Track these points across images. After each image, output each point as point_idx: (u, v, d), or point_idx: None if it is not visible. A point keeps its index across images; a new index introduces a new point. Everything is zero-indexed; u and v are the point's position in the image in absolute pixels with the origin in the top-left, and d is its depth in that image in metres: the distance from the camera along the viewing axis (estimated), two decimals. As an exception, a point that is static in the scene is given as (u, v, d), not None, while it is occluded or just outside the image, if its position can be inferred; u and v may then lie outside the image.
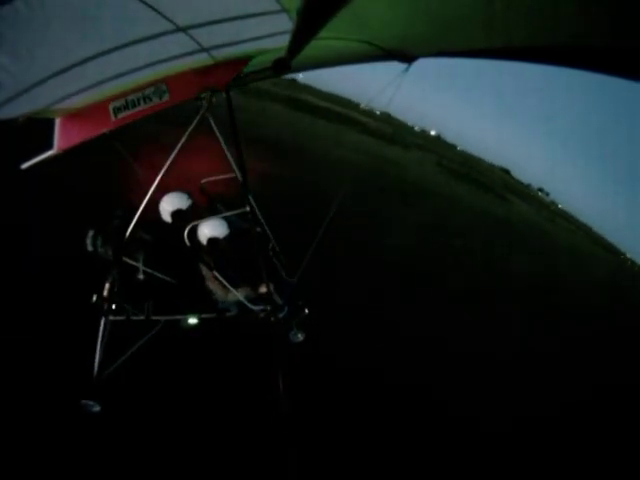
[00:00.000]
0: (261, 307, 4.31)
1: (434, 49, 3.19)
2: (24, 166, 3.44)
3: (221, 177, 4.66)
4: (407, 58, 3.37)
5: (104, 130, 3.49)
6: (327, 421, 4.64)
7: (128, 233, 3.67)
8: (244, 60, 3.53)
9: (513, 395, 6.80)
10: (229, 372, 4.55)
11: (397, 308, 8.09)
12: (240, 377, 4.54)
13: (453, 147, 71.58)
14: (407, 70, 3.53)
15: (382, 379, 5.68)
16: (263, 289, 4.27)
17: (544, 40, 2.36)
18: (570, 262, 26.92)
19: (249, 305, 4.20)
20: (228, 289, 4.12)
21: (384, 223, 13.26)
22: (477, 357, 7.61)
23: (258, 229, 4.39)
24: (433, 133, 76.66)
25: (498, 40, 2.62)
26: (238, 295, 4.13)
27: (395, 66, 3.54)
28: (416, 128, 70.45)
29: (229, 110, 4.13)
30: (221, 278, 4.05)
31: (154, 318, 4.09)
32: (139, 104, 3.44)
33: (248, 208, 4.35)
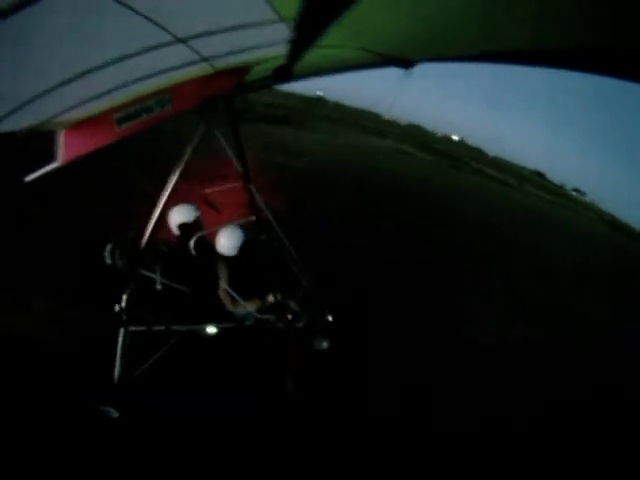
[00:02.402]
0: (277, 316, 4.34)
1: (433, 54, 3.20)
2: (28, 179, 3.47)
3: (226, 187, 4.68)
4: (406, 63, 3.38)
5: (108, 142, 3.51)
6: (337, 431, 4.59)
7: (144, 245, 3.72)
8: (245, 68, 3.55)
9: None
10: (249, 381, 4.58)
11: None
12: (259, 385, 4.58)
13: (478, 150, 71.71)
14: (407, 76, 3.54)
15: (391, 379, 5.61)
16: (271, 299, 4.27)
17: (545, 43, 2.35)
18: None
19: (260, 316, 4.23)
20: (237, 302, 4.13)
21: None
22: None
23: (263, 237, 4.39)
24: (456, 138, 76.91)
25: (498, 44, 2.62)
26: (248, 308, 4.13)
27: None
28: (438, 134, 70.74)
29: (232, 118, 4.16)
30: (230, 291, 4.07)
31: (174, 328, 4.12)
32: (141, 115, 3.47)
33: (254, 217, 4.37)
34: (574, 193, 79.71)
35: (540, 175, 79.95)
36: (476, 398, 5.95)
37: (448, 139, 72.39)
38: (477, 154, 63.55)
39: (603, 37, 2.05)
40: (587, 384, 7.38)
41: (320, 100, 49.97)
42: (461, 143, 74.39)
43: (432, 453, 4.74)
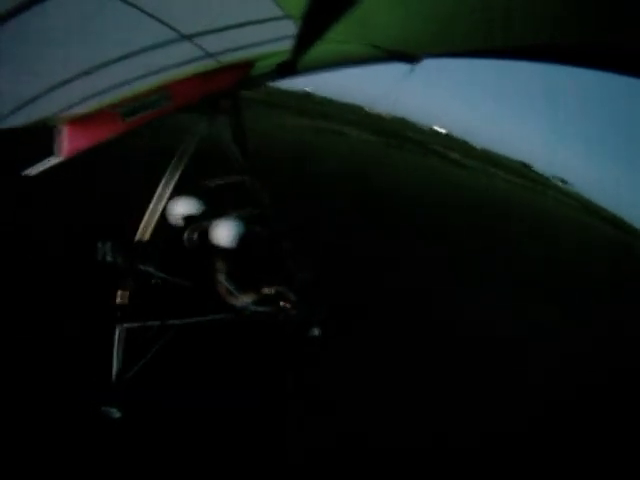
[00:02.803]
0: (274, 308, 4.31)
1: (438, 50, 3.19)
2: (29, 172, 3.44)
3: (226, 179, 4.65)
4: (412, 59, 3.36)
5: (110, 135, 3.49)
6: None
7: (137, 240, 3.67)
8: (250, 63, 3.53)
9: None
10: (248, 373, 4.57)
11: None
12: (257, 377, 4.58)
13: (463, 143, 71.53)
14: (412, 71, 3.53)
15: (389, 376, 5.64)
16: (267, 292, 4.27)
17: (547, 39, 2.36)
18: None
19: (257, 308, 4.21)
20: (235, 295, 4.11)
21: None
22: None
23: (258, 229, 4.37)
24: (442, 131, 76.83)
25: (500, 41, 2.62)
26: (245, 301, 4.13)
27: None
28: (423, 127, 70.15)
29: (236, 113, 4.13)
30: (227, 284, 4.04)
31: (171, 322, 4.07)
32: (146, 109, 3.44)
33: (251, 209, 4.37)
34: (559, 183, 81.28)
35: (526, 166, 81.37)
36: (474, 393, 6.00)
37: (434, 132, 71.96)
38: (463, 146, 63.29)
39: (605, 37, 2.07)
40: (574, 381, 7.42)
41: (308, 96, 49.06)
42: (447, 136, 74.04)
43: (431, 448, 4.79)
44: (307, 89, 48.78)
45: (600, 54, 2.21)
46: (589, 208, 55.43)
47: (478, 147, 74.38)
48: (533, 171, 78.65)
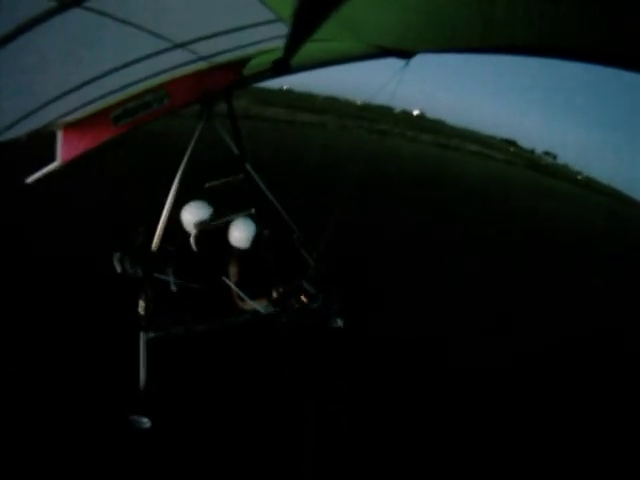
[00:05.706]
0: (292, 302, 4.30)
1: (433, 46, 3.16)
2: (29, 180, 3.45)
3: (225, 180, 4.64)
4: (405, 54, 3.34)
5: (106, 139, 3.49)
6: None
7: (153, 249, 3.64)
8: (242, 62, 3.51)
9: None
10: (275, 377, 4.46)
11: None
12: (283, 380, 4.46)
13: (440, 123, 70.46)
14: (406, 65, 3.50)
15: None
16: (275, 294, 4.27)
17: (546, 40, 2.34)
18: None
19: (269, 310, 4.21)
20: (246, 301, 4.10)
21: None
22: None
23: (266, 231, 4.37)
24: (416, 112, 75.47)
25: (498, 39, 2.60)
26: (255, 306, 4.12)
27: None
28: (396, 110, 68.44)
29: (231, 112, 4.11)
30: (239, 291, 4.04)
31: (193, 328, 4.08)
32: (139, 111, 3.45)
33: (253, 210, 4.37)
34: (544, 156, 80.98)
35: (511, 142, 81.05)
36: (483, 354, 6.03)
37: (406, 114, 70.52)
38: (438, 126, 62.31)
39: (604, 39, 2.05)
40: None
41: (288, 91, 48.42)
42: (421, 117, 72.69)
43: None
44: (285, 87, 48.10)
45: (601, 52, 2.20)
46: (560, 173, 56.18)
47: (456, 126, 73.90)
48: (519, 147, 79.01)
